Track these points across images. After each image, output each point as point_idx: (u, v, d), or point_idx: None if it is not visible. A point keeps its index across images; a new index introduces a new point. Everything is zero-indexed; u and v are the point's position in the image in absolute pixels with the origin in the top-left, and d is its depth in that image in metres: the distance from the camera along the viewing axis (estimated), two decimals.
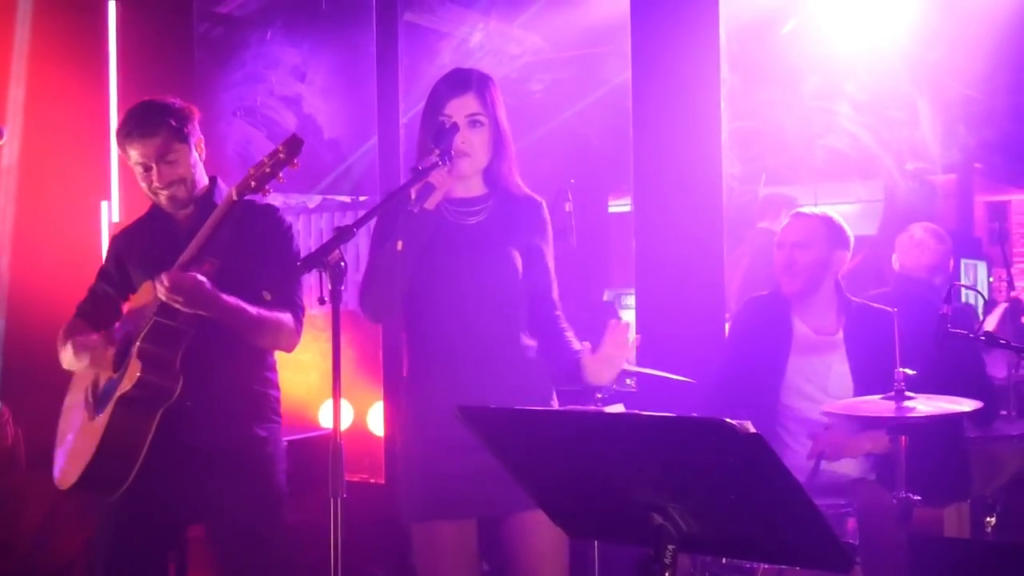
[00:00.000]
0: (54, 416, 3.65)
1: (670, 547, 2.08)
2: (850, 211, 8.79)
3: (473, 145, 3.06)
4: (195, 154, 3.50)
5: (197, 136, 3.51)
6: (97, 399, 3.41)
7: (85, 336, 3.48)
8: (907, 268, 5.16)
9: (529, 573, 3.09)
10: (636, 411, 3.31)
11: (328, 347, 2.73)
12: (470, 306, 3.05)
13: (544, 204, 3.23)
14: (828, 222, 4.05)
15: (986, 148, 7.24)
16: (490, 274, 3.07)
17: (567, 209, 4.10)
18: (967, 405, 3.38)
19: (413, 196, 2.84)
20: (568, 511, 2.33)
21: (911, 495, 3.36)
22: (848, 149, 6.90)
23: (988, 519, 4.74)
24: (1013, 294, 6.74)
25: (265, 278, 3.27)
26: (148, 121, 3.43)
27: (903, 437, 3.37)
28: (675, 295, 4.58)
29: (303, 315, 3.49)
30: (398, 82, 5.28)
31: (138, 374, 3.25)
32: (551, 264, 3.21)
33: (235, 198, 3.21)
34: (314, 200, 7.97)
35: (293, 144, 3.10)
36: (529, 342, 3.13)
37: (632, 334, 2.98)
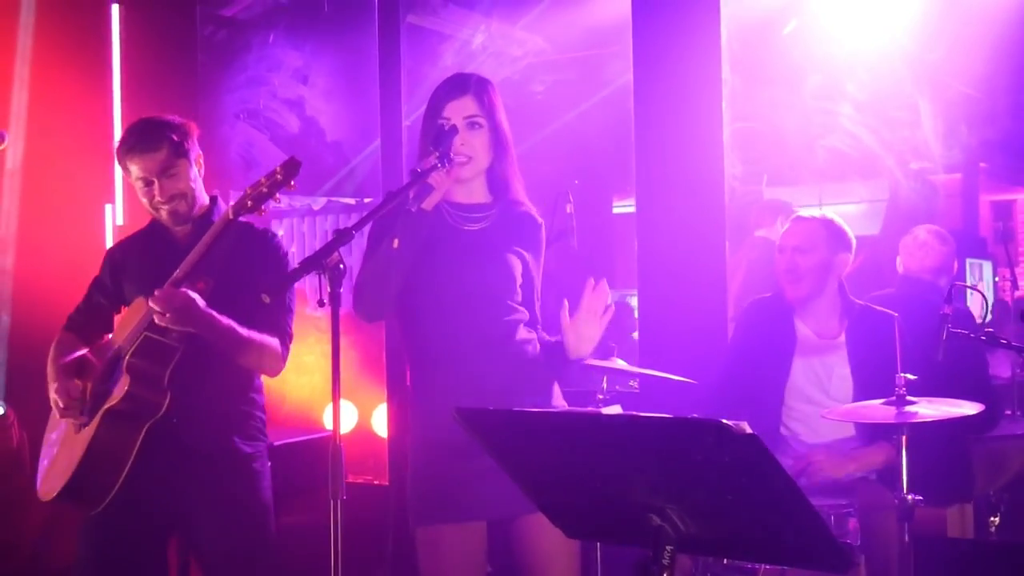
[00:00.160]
0: None
1: (668, 548, 2.09)
2: (854, 211, 8.78)
3: (473, 147, 3.07)
4: (195, 170, 3.51)
5: (197, 152, 3.53)
6: (85, 412, 3.42)
7: (67, 378, 3.45)
8: (911, 270, 5.15)
9: (539, 574, 3.09)
10: (633, 412, 3.32)
11: (329, 349, 2.74)
12: (470, 309, 3.05)
13: (543, 225, 3.25)
14: (829, 225, 4.04)
15: (988, 148, 7.24)
16: (490, 278, 3.08)
17: (568, 211, 4.10)
18: (969, 408, 3.38)
19: (411, 196, 2.85)
20: (567, 512, 2.33)
21: (913, 495, 3.35)
22: (849, 149, 6.90)
23: (992, 519, 4.73)
24: (1018, 293, 6.74)
25: (264, 281, 3.28)
26: (149, 136, 3.45)
27: (904, 437, 3.36)
28: (678, 295, 4.58)
29: (290, 342, 3.51)
30: (400, 84, 5.29)
31: (126, 388, 3.26)
32: (538, 284, 3.22)
33: (231, 217, 3.23)
34: (319, 202, 7.99)
35: (291, 166, 3.11)
36: (529, 338, 3.13)
37: (609, 298, 2.96)
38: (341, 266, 2.64)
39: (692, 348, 4.44)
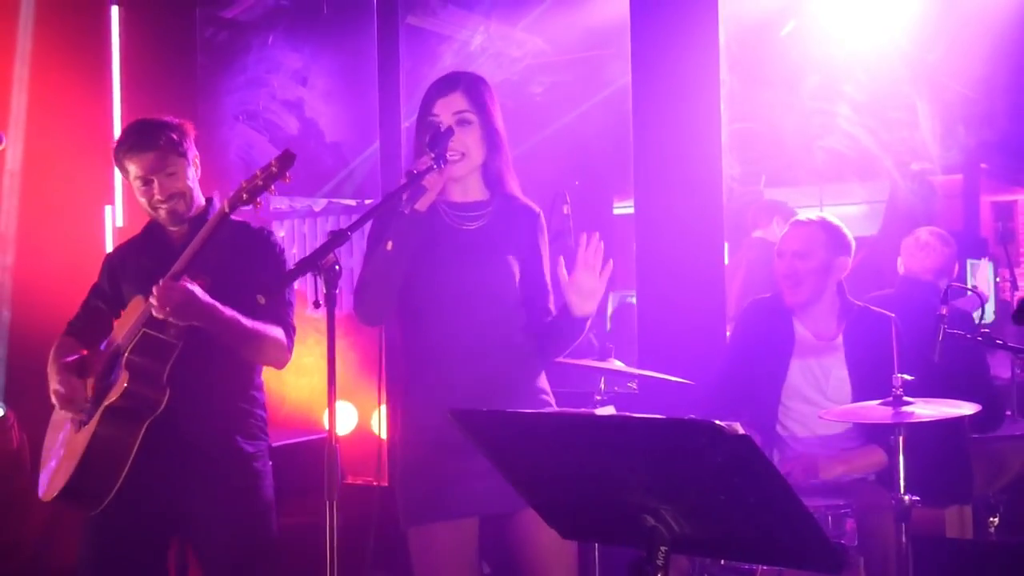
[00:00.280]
0: None
1: (662, 548, 2.09)
2: (855, 212, 8.79)
3: (465, 143, 3.06)
4: (193, 170, 3.52)
5: (194, 152, 3.54)
6: (85, 411, 3.42)
7: (67, 377, 3.45)
8: (912, 271, 5.15)
9: (538, 569, 3.08)
10: (626, 413, 3.32)
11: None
12: (467, 309, 3.05)
13: (542, 214, 3.22)
14: (827, 228, 4.03)
15: (985, 148, 7.24)
16: (488, 278, 3.08)
17: (565, 212, 4.11)
18: (967, 408, 3.38)
19: (404, 197, 2.85)
20: (561, 513, 2.34)
21: (910, 496, 3.35)
22: (847, 150, 6.90)
23: (991, 519, 4.74)
24: (1018, 294, 6.74)
25: (259, 281, 3.28)
26: (148, 134, 3.46)
27: (901, 438, 3.36)
28: (676, 296, 4.58)
29: (294, 334, 3.50)
30: (399, 85, 5.30)
31: (124, 385, 3.26)
32: (547, 273, 3.20)
33: (227, 211, 3.23)
34: (319, 204, 8.01)
35: (285, 158, 3.13)
36: (525, 343, 3.13)
37: (600, 259, 2.92)
38: (336, 267, 2.64)
39: (691, 349, 4.44)
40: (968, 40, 6.05)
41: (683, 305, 4.56)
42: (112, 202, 5.77)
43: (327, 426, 5.67)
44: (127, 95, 5.76)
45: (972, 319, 4.28)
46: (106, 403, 3.28)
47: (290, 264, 3.56)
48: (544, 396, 3.16)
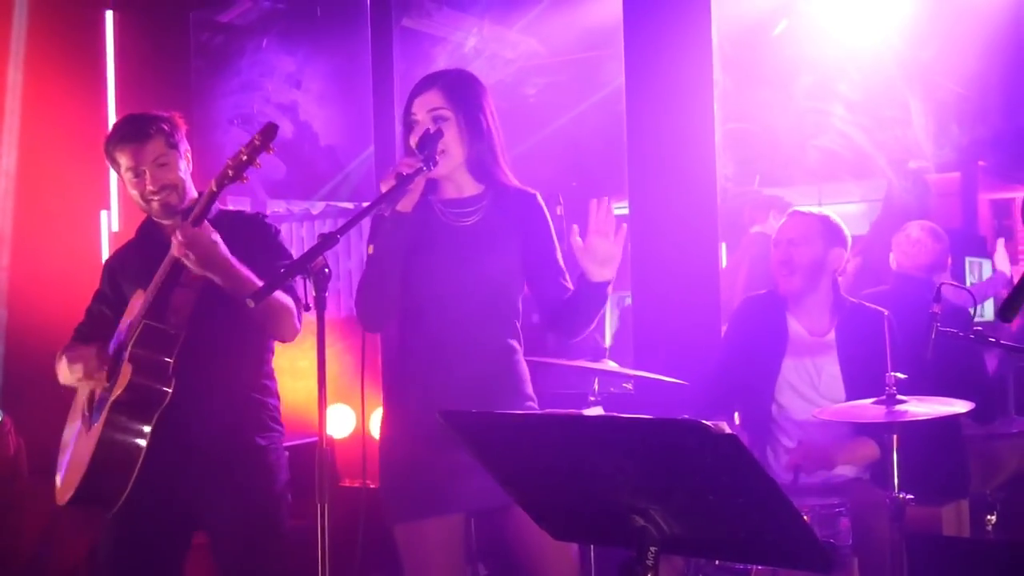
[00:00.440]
0: (55, 425, 3.65)
1: (652, 549, 2.09)
2: (854, 211, 8.77)
3: (443, 141, 3.03)
4: (184, 163, 3.50)
5: (185, 146, 3.53)
6: (93, 410, 3.41)
7: (78, 348, 3.46)
8: (905, 267, 5.14)
9: (537, 563, 3.06)
10: (614, 413, 3.31)
11: (328, 353, 2.74)
12: (463, 307, 3.04)
13: (539, 195, 3.18)
14: (825, 221, 4.05)
15: (978, 146, 7.23)
16: (490, 272, 3.07)
17: (559, 212, 4.10)
18: (960, 406, 3.37)
19: (385, 200, 2.85)
20: (551, 514, 2.33)
21: (904, 494, 3.35)
22: (841, 149, 6.90)
23: (989, 517, 4.73)
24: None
25: (260, 265, 3.29)
26: (139, 126, 3.44)
27: (895, 436, 3.36)
28: (671, 296, 4.59)
29: (302, 307, 3.45)
30: (393, 87, 5.31)
31: (129, 377, 3.24)
32: (558, 252, 3.16)
33: (215, 189, 3.21)
34: (317, 207, 8.00)
35: (268, 131, 3.14)
36: (517, 347, 3.13)
37: (611, 209, 2.85)
38: (326, 270, 2.64)
39: (686, 348, 4.44)
40: (961, 38, 6.05)
41: (678, 305, 4.56)
42: (108, 207, 5.78)
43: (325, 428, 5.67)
44: (121, 99, 5.77)
45: (968, 315, 4.28)
46: (112, 398, 3.26)
47: (288, 247, 3.58)
48: (530, 404, 3.14)
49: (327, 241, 2.64)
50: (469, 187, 3.15)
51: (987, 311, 6.45)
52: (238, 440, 3.45)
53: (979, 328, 3.56)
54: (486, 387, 3.04)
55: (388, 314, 3.08)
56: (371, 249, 2.91)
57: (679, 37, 4.58)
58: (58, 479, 3.52)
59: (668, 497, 2.06)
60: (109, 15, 5.84)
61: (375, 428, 6.04)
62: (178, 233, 3.20)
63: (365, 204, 2.82)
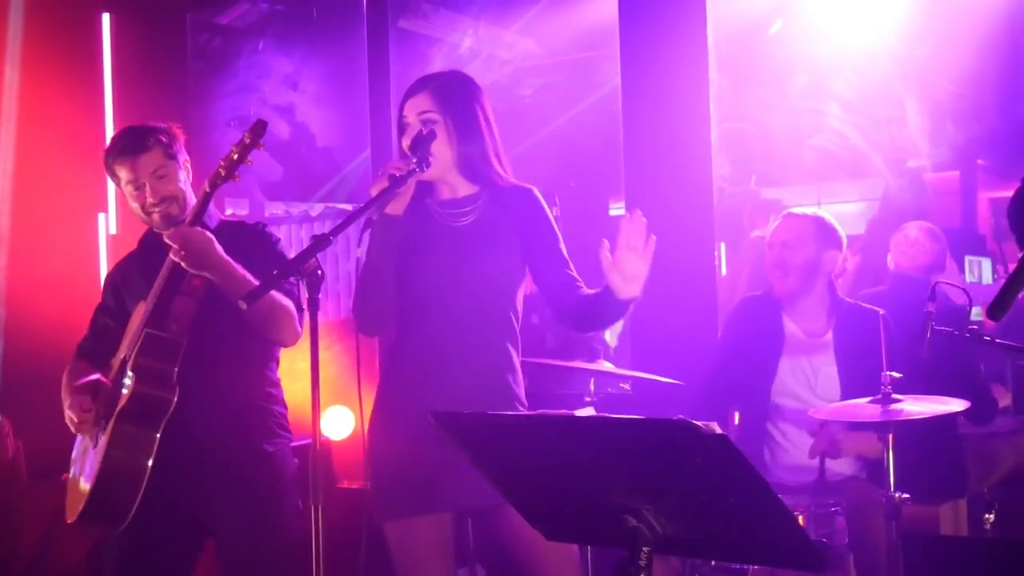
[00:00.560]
0: (54, 428, 3.62)
1: (645, 549, 2.09)
2: (853, 210, 8.76)
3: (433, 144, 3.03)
4: (184, 174, 3.50)
5: (184, 156, 3.52)
6: (99, 424, 3.39)
7: (79, 392, 3.41)
8: (903, 268, 5.14)
9: (535, 560, 3.05)
10: (605, 414, 3.30)
11: (326, 355, 2.75)
12: (459, 308, 3.04)
13: (535, 189, 3.17)
14: (819, 222, 4.04)
15: (974, 145, 7.23)
16: (484, 276, 3.06)
17: (555, 213, 4.10)
18: (956, 405, 3.38)
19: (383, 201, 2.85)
20: (544, 514, 2.33)
21: (900, 493, 3.35)
22: (837, 148, 6.91)
23: (987, 516, 4.72)
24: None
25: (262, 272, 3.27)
26: (138, 139, 3.44)
27: (891, 436, 3.36)
28: (668, 296, 4.57)
29: (303, 312, 3.44)
30: (390, 89, 5.30)
31: (132, 387, 3.23)
32: (561, 243, 3.15)
33: (208, 190, 3.23)
34: (316, 209, 8.00)
35: (257, 128, 3.16)
36: (513, 348, 3.13)
37: (646, 233, 2.81)
38: (319, 272, 2.64)
39: (683, 348, 4.44)
40: (956, 37, 6.05)
41: (675, 304, 4.55)
42: (105, 210, 5.78)
43: (325, 430, 5.69)
44: (119, 102, 5.77)
45: (965, 315, 4.27)
46: (117, 409, 3.25)
47: (288, 255, 3.53)
48: (519, 407, 3.13)
49: (320, 242, 2.65)
50: (463, 188, 3.14)
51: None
52: (244, 446, 3.44)
53: (974, 327, 3.55)
54: (480, 388, 3.04)
55: (384, 318, 3.08)
56: (360, 253, 2.91)
57: (675, 37, 4.58)
58: (67, 496, 3.50)
59: (660, 497, 2.06)
60: (106, 17, 5.85)
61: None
62: (172, 233, 3.21)
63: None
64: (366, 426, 3.14)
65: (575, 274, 3.13)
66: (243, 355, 3.48)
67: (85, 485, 3.33)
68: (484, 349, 3.06)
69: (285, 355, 3.63)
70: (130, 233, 3.73)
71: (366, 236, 2.93)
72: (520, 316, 3.16)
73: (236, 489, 3.40)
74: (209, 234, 3.25)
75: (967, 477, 4.60)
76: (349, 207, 7.75)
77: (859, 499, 3.66)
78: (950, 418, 3.99)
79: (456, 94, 3.09)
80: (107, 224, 5.79)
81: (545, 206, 3.18)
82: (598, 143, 7.24)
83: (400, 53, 5.64)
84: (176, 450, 3.29)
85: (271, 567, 3.43)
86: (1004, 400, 4.93)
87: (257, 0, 6.74)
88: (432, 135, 2.99)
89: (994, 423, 4.84)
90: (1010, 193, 2.61)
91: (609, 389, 4.78)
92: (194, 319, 3.31)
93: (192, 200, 3.51)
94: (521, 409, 3.13)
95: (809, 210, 4.19)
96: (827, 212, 4.19)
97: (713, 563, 3.38)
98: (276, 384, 3.59)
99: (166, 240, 3.22)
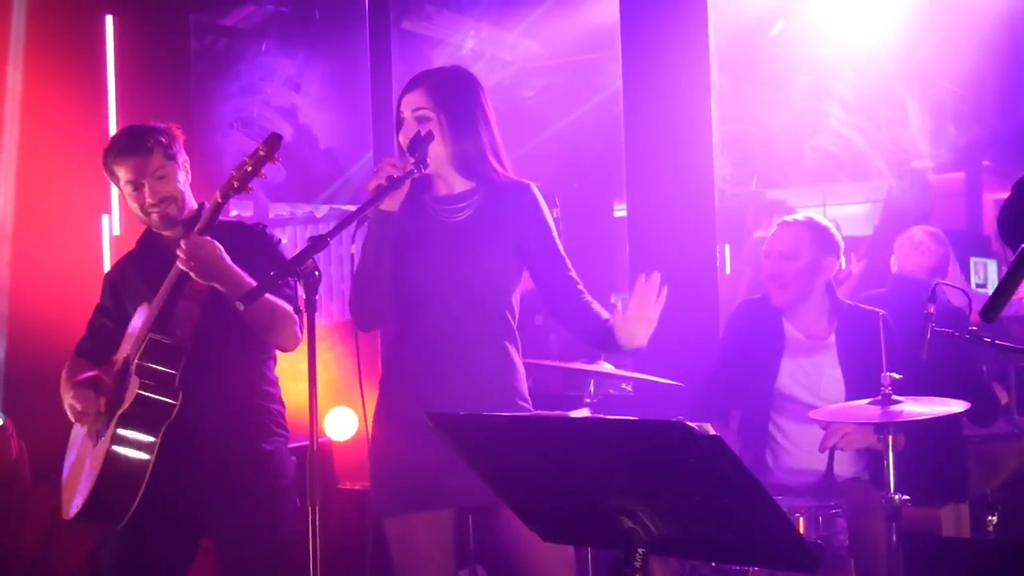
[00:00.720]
0: (57, 429, 3.65)
1: (640, 550, 2.09)
2: (858, 212, 8.76)
3: None
4: (183, 175, 3.51)
5: (184, 157, 3.53)
6: (100, 424, 3.40)
7: (82, 386, 3.43)
8: (906, 270, 5.14)
9: (529, 561, 3.05)
10: (600, 416, 3.30)
11: (329, 356, 2.76)
12: (456, 304, 3.05)
13: (533, 185, 3.17)
14: (814, 228, 4.01)
15: (976, 146, 7.22)
16: (480, 271, 3.06)
17: (555, 214, 4.09)
18: (956, 406, 3.37)
19: (380, 201, 2.86)
20: (540, 515, 2.34)
21: (900, 495, 3.34)
22: (838, 150, 6.90)
23: (990, 518, 4.72)
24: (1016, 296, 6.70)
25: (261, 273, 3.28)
26: (137, 139, 3.45)
27: (890, 437, 3.35)
28: (669, 297, 4.56)
29: (302, 317, 3.45)
30: (392, 90, 5.30)
31: (136, 391, 3.24)
32: (558, 243, 3.16)
33: (220, 200, 3.22)
34: (321, 210, 8.00)
35: (272, 141, 3.13)
36: (511, 344, 3.13)
37: (658, 285, 2.92)
38: (316, 273, 2.64)
39: (684, 350, 4.43)
40: (957, 37, 6.04)
41: (676, 306, 4.53)
42: (109, 211, 5.79)
43: (327, 431, 5.69)
44: (122, 103, 5.78)
45: (965, 316, 4.27)
46: (120, 412, 3.26)
47: (287, 256, 3.54)
48: (522, 403, 3.14)
49: (317, 244, 2.65)
50: (459, 184, 3.15)
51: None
52: (243, 446, 3.46)
53: (974, 328, 3.54)
54: (479, 384, 3.04)
55: (380, 312, 3.10)
56: (354, 249, 2.92)
57: (676, 38, 4.58)
58: (64, 492, 3.51)
59: (655, 498, 2.07)
60: (109, 19, 5.85)
61: None
62: (182, 243, 3.21)
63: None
64: (369, 426, 3.15)
65: (575, 275, 3.15)
66: (244, 356, 3.49)
67: (85, 483, 3.33)
68: (482, 344, 3.07)
69: (288, 356, 3.63)
70: (133, 235, 3.74)
71: (360, 232, 2.93)
72: (517, 312, 3.16)
73: (235, 488, 3.41)
74: (218, 245, 3.25)
75: (969, 479, 4.59)
76: (353, 208, 7.75)
77: (860, 501, 3.65)
78: (952, 420, 3.97)
79: (453, 90, 3.10)
80: (110, 226, 5.79)
81: (542, 203, 3.17)
82: (603, 144, 7.24)
83: (402, 54, 5.64)
84: (176, 450, 3.30)
85: (269, 565, 3.44)
86: (1003, 398, 4.92)
87: (263, 2, 6.75)
88: (430, 136, 3.00)
89: (997, 425, 4.84)
90: None
91: (611, 390, 4.78)
92: (197, 323, 3.32)
93: (191, 201, 3.52)
94: (522, 403, 3.13)
95: (803, 216, 4.13)
96: (821, 216, 4.17)
97: (713, 564, 3.37)
98: (274, 383, 3.61)
99: (177, 253, 3.22)
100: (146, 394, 3.24)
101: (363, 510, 4.98)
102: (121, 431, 3.25)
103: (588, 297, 3.14)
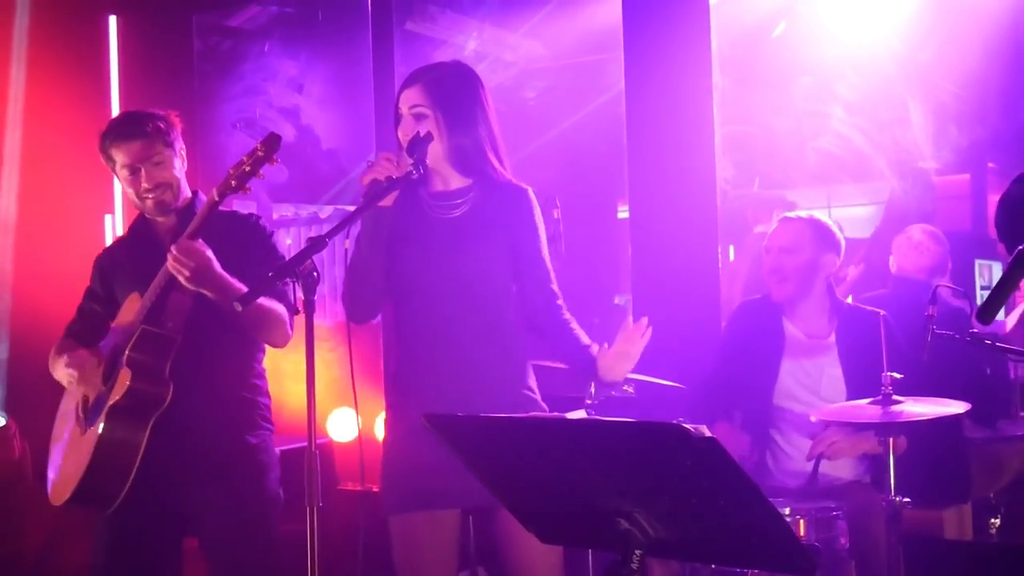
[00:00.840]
0: None
1: (637, 552, 2.09)
2: (863, 213, 8.73)
3: None
4: (179, 162, 3.51)
5: (180, 144, 3.53)
6: (88, 413, 3.42)
7: (76, 352, 3.47)
8: (905, 270, 5.13)
9: (520, 566, 3.07)
10: (596, 417, 3.30)
11: (330, 357, 2.77)
12: (454, 301, 3.05)
13: (530, 191, 3.17)
14: (816, 225, 4.02)
15: (978, 147, 7.21)
16: (475, 267, 3.07)
17: (556, 216, 4.10)
18: (957, 407, 3.37)
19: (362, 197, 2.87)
20: (538, 517, 2.34)
21: (900, 497, 3.34)
22: (840, 151, 6.89)
23: (992, 520, 4.71)
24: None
25: (255, 263, 3.30)
26: (134, 123, 3.45)
27: (891, 439, 3.35)
28: (671, 299, 4.59)
29: (295, 314, 3.46)
30: (394, 91, 5.29)
31: (128, 383, 3.25)
32: (545, 254, 3.16)
33: (216, 198, 3.22)
34: (325, 211, 8.01)
35: (271, 141, 3.12)
36: (514, 338, 3.13)
37: (646, 329, 2.98)
38: (315, 273, 2.64)
39: (685, 351, 4.43)
40: (959, 39, 6.03)
41: (678, 308, 4.55)
42: (112, 211, 5.80)
43: (329, 432, 5.69)
44: (125, 104, 5.79)
45: (966, 317, 4.27)
46: (110, 403, 3.27)
47: (281, 248, 3.58)
48: (528, 392, 3.14)
49: (316, 244, 2.65)
50: (455, 180, 3.15)
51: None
52: (229, 439, 3.47)
53: (975, 330, 3.54)
54: (482, 381, 3.05)
55: (373, 305, 3.11)
56: (347, 244, 2.93)
57: (679, 40, 4.59)
58: (49, 480, 3.53)
59: (651, 500, 2.06)
60: (112, 19, 5.86)
61: (377, 430, 6.07)
62: (173, 249, 3.21)
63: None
64: (373, 429, 3.17)
65: (556, 288, 3.16)
66: (231, 348, 3.50)
67: (75, 471, 3.35)
68: (480, 340, 3.07)
69: (289, 357, 3.64)
70: None
71: (354, 226, 2.94)
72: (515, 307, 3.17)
73: (220, 481, 3.42)
74: (209, 252, 3.25)
75: (970, 480, 4.58)
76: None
77: (860, 503, 3.64)
78: (954, 421, 3.97)
79: (450, 86, 3.09)
80: (114, 226, 5.80)
81: (537, 210, 3.17)
82: (606, 146, 7.24)
83: (405, 55, 5.64)
84: (163, 442, 3.32)
85: (256, 558, 3.44)
86: None
87: (267, 3, 6.76)
88: (429, 137, 3.00)
89: (1001, 427, 4.83)
90: None
91: (613, 392, 4.77)
92: (189, 315, 3.33)
93: (186, 189, 3.53)
94: (528, 393, 3.14)
95: (804, 213, 4.15)
96: (823, 215, 4.17)
97: (713, 566, 3.37)
98: (262, 375, 3.62)
99: (168, 258, 3.22)
100: (137, 386, 3.26)
101: (363, 511, 4.98)
102: (111, 422, 3.27)
103: (568, 315, 3.15)
